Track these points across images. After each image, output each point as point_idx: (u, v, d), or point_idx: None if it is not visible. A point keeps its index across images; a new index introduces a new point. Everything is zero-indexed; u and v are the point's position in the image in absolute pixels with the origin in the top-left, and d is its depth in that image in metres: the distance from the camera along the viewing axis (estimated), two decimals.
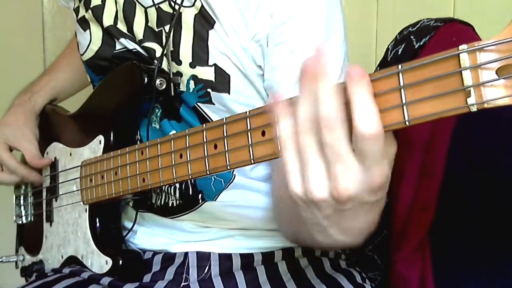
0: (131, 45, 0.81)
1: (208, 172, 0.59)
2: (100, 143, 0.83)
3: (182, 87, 0.77)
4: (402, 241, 0.88)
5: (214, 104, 0.76)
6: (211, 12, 0.74)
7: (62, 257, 0.90)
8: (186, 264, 0.82)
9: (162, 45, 0.77)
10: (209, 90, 0.75)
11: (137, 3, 0.80)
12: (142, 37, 0.79)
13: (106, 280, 0.80)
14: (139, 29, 0.80)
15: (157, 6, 0.77)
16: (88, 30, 0.86)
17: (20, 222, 1.03)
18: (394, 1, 1.44)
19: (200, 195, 0.81)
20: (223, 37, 0.73)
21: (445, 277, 0.85)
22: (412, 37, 0.90)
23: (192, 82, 0.76)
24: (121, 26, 0.82)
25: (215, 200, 0.80)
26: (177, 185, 0.82)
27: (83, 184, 0.84)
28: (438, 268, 0.86)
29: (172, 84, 0.77)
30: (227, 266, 0.82)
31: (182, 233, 0.84)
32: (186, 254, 0.83)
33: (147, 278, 0.83)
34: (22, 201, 1.03)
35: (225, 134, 0.56)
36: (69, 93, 1.11)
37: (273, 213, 0.77)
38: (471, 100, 0.38)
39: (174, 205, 0.83)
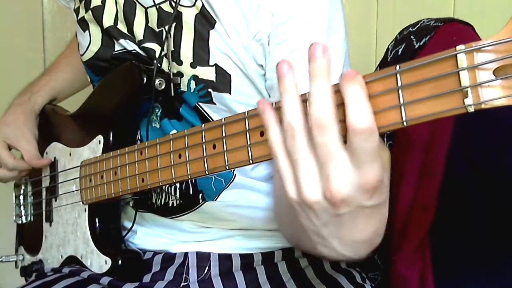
0: (130, 46, 0.81)
1: (207, 172, 0.59)
2: (99, 143, 0.83)
3: (183, 87, 0.77)
4: (402, 241, 0.88)
5: (215, 104, 0.76)
6: (212, 12, 0.74)
7: (61, 257, 0.90)
8: (186, 264, 0.82)
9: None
10: (210, 90, 0.75)
11: (137, 3, 0.79)
12: (142, 38, 0.79)
13: (105, 280, 0.80)
14: (139, 30, 0.79)
15: (158, 6, 0.77)
16: (87, 31, 0.86)
17: (20, 222, 1.04)
18: (394, 1, 1.44)
19: (200, 195, 0.81)
20: (224, 37, 0.73)
21: (445, 277, 0.85)
22: (412, 37, 0.90)
23: (193, 82, 0.75)
24: (121, 27, 0.82)
25: (215, 200, 0.80)
26: (178, 185, 0.82)
27: (82, 184, 0.84)
28: (438, 268, 0.86)
29: (172, 84, 0.77)
30: (227, 266, 0.82)
31: (182, 233, 0.84)
32: (186, 254, 0.83)
33: (147, 278, 0.83)
34: (22, 201, 1.03)
35: (224, 135, 0.56)
36: (69, 93, 1.11)
37: (275, 214, 0.77)
38: (468, 100, 0.38)
39: (174, 205, 0.83)
